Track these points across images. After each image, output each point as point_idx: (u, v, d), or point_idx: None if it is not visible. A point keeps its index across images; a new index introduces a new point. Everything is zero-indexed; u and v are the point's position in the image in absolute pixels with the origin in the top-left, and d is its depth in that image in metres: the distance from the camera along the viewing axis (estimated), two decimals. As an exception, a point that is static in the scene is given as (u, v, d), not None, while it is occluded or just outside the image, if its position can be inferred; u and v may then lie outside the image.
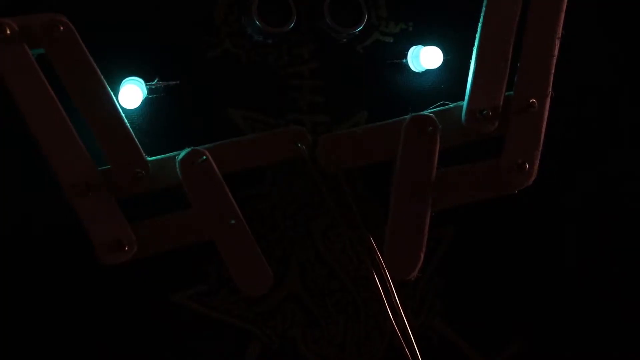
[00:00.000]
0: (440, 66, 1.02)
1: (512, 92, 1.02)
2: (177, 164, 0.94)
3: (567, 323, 1.08)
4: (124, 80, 0.95)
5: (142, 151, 0.93)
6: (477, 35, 1.01)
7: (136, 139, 0.92)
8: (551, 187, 1.07)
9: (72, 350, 0.95)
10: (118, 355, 0.96)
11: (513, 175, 1.00)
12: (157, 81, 0.97)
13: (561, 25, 1.01)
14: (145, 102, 0.96)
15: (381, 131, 1.00)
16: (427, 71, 1.04)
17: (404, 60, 1.03)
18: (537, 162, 1.01)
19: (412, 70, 1.04)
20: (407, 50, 1.03)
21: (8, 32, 0.89)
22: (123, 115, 0.92)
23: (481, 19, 1.00)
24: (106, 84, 0.91)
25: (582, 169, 1.09)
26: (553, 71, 1.01)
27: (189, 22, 0.99)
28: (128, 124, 0.92)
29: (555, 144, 1.05)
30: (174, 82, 0.98)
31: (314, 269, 1.01)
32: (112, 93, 0.92)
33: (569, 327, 1.08)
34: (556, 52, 1.01)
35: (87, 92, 0.91)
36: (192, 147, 0.94)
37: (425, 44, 1.03)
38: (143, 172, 0.92)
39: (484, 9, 1.01)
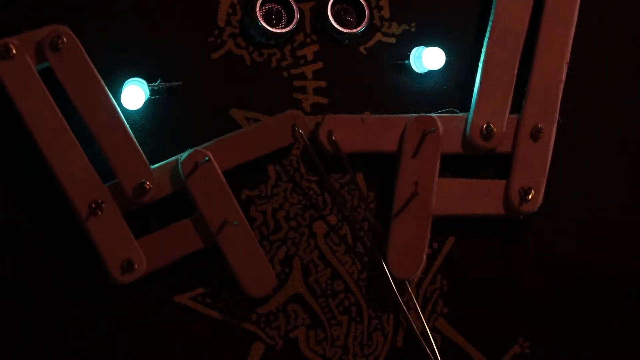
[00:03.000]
0: (442, 67, 1.02)
1: (517, 114, 1.01)
2: (179, 165, 0.94)
3: (572, 324, 1.08)
4: (126, 81, 0.95)
5: (147, 162, 0.93)
6: (483, 51, 1.00)
7: (141, 150, 0.92)
8: (554, 188, 1.07)
9: (75, 351, 0.95)
10: (121, 356, 0.96)
11: (519, 201, 1.00)
12: (160, 82, 0.97)
13: (569, 50, 1.01)
14: (148, 103, 0.96)
15: (387, 122, 1.00)
16: (430, 72, 1.04)
17: (407, 61, 1.03)
18: (543, 189, 1.00)
19: (415, 71, 1.04)
20: (410, 51, 1.03)
21: (14, 51, 0.89)
22: (127, 126, 0.92)
23: (487, 34, 1.00)
24: (110, 94, 0.91)
25: (585, 174, 1.09)
26: (560, 97, 1.01)
27: (192, 22, 0.99)
28: (132, 134, 0.92)
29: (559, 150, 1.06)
30: (177, 83, 0.98)
31: (318, 269, 1.01)
32: (116, 104, 0.92)
33: (574, 328, 1.08)
34: (564, 77, 1.01)
35: (92, 104, 0.91)
36: (195, 148, 0.94)
37: (427, 45, 1.03)
38: (148, 182, 0.92)
39: (490, 24, 1.00)
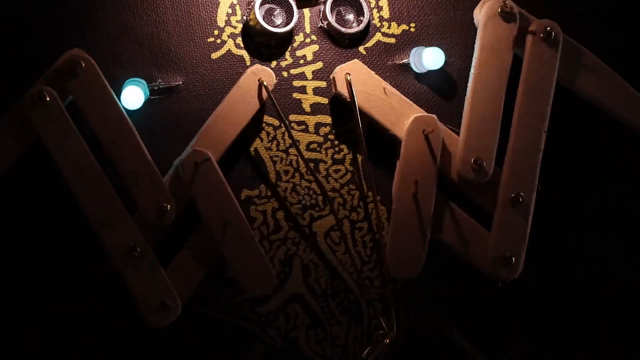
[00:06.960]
0: (442, 67, 1.02)
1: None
2: (179, 165, 0.94)
3: (572, 325, 1.08)
4: (126, 81, 0.95)
5: (164, 184, 0.93)
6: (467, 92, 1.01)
7: (158, 172, 0.92)
8: (556, 190, 1.07)
9: (77, 351, 0.95)
10: (123, 355, 0.96)
11: (500, 268, 0.99)
12: (160, 82, 0.97)
13: (548, 118, 1.01)
14: (148, 103, 0.96)
15: (398, 103, 1.00)
16: (430, 72, 1.04)
17: (407, 61, 1.03)
18: (523, 256, 1.00)
19: (415, 71, 1.04)
20: (409, 51, 1.03)
21: (48, 99, 0.89)
22: (145, 149, 0.92)
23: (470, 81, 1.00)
24: (126, 114, 0.92)
25: (586, 178, 1.09)
26: (539, 165, 1.01)
27: (192, 22, 0.99)
28: (150, 157, 0.92)
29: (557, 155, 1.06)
30: (177, 83, 0.98)
31: (318, 270, 1.01)
32: (133, 126, 0.92)
33: (574, 328, 1.08)
34: (542, 146, 1.01)
35: (111, 127, 0.91)
36: (194, 148, 0.94)
37: (427, 45, 1.03)
38: (168, 205, 0.92)
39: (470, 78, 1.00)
